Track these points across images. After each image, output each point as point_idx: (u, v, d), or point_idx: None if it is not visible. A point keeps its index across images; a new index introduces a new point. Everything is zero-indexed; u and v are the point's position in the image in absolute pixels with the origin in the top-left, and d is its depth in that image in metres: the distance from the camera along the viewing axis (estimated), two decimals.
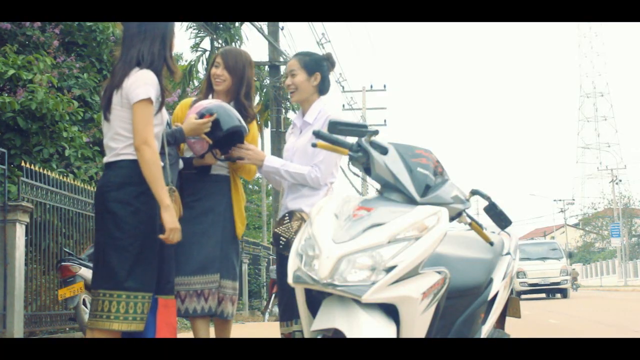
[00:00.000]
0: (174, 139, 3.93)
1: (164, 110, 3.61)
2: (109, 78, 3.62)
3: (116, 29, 11.18)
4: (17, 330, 7.52)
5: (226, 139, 4.06)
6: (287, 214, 3.98)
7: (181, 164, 4.14)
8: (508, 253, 3.64)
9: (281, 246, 3.91)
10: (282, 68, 16.50)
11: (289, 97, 4.19)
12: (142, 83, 3.42)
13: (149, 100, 3.41)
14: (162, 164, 3.54)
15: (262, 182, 28.35)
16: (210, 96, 4.34)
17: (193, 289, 4.08)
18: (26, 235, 7.90)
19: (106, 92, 3.54)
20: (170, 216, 3.42)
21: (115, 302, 3.40)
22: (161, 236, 3.44)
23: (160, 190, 3.41)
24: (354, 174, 3.20)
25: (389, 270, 2.58)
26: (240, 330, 10.84)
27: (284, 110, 17.55)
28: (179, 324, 12.51)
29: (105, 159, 3.56)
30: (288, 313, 3.93)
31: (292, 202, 4.03)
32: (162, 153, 3.70)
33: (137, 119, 3.40)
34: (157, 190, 3.40)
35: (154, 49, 3.51)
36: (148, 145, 3.38)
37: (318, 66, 4.08)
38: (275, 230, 3.99)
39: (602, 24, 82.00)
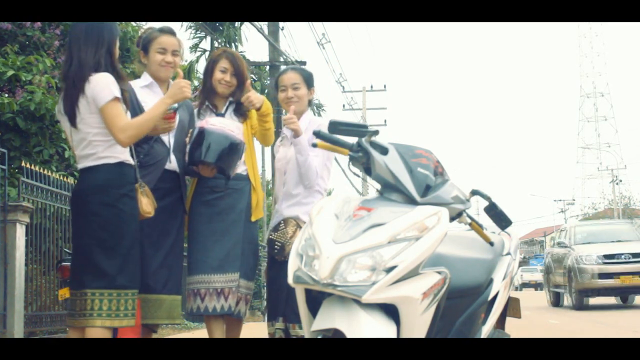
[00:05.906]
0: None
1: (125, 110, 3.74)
2: (63, 82, 3.68)
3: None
4: (17, 330, 7.52)
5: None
6: (282, 221, 4.05)
7: (172, 162, 4.14)
8: (508, 253, 3.64)
9: (276, 251, 3.98)
10: (282, 68, 16.47)
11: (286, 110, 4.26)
12: (104, 85, 3.53)
13: (116, 99, 3.53)
14: (133, 162, 3.69)
15: (263, 181, 28.34)
16: (211, 100, 4.40)
17: (213, 287, 4.12)
18: (26, 235, 7.89)
19: (68, 99, 3.59)
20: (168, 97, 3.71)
21: (107, 300, 3.51)
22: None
23: (157, 110, 3.65)
24: (354, 174, 3.20)
25: (389, 270, 2.58)
26: None
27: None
28: (179, 324, 12.50)
29: (82, 165, 3.63)
30: (272, 313, 4.08)
31: (287, 209, 4.11)
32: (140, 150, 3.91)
33: (110, 118, 3.52)
34: (155, 112, 3.65)
35: (99, 55, 3.62)
36: (123, 131, 3.51)
37: (312, 82, 4.32)
38: (270, 237, 4.04)
39: (602, 24, 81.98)
